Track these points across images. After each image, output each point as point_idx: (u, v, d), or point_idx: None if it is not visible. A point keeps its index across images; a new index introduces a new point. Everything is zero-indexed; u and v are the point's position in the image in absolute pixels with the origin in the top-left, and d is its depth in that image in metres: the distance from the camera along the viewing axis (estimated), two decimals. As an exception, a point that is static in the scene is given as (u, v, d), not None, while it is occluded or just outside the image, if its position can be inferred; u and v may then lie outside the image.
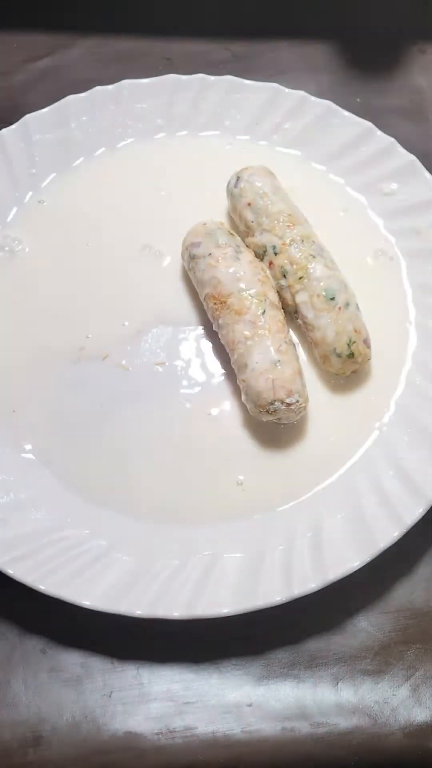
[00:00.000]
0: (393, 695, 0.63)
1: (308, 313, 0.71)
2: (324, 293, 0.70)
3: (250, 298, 0.69)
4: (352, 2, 0.97)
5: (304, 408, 0.68)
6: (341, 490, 0.68)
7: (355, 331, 0.70)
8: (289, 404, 0.66)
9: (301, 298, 0.71)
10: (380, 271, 0.78)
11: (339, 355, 0.69)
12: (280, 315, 0.70)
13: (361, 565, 0.63)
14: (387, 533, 0.64)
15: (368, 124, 0.83)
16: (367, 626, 0.65)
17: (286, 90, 0.85)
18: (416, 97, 0.92)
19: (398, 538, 0.64)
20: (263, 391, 0.66)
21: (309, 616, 0.65)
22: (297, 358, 0.69)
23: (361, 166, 0.82)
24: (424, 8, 0.97)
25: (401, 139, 0.82)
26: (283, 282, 0.72)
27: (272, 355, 0.67)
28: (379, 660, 0.64)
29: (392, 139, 0.82)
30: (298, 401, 0.67)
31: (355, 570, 0.63)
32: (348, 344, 0.69)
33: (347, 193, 0.82)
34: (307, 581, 0.62)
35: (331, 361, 0.70)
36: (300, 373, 0.68)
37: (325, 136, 0.83)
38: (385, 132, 0.82)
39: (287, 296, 0.72)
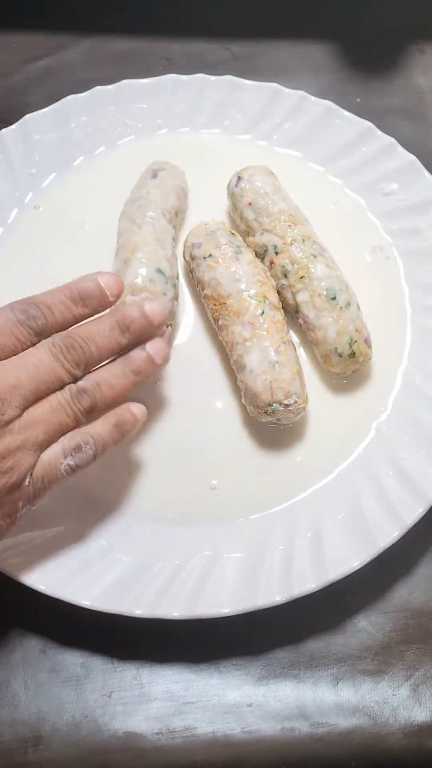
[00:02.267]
0: (393, 695, 0.63)
1: (309, 313, 0.71)
2: (325, 293, 0.70)
3: (249, 299, 0.69)
4: (352, 2, 0.97)
5: (303, 409, 0.68)
6: (341, 490, 0.68)
7: (357, 330, 0.70)
8: (287, 405, 0.66)
9: (302, 297, 0.71)
10: (378, 270, 0.78)
11: (340, 355, 0.69)
12: (279, 316, 0.70)
13: (361, 565, 0.63)
14: (387, 533, 0.64)
15: (368, 124, 0.83)
16: (367, 626, 0.65)
17: (286, 90, 0.85)
18: (416, 97, 0.92)
19: (398, 538, 0.64)
20: (261, 392, 0.66)
21: (309, 616, 0.65)
22: (296, 359, 0.69)
23: (360, 166, 0.82)
24: (424, 8, 0.97)
25: (401, 139, 0.82)
26: (284, 281, 0.72)
27: (271, 356, 0.67)
28: (379, 660, 0.64)
29: (392, 139, 0.82)
30: (296, 402, 0.67)
31: (355, 570, 0.63)
32: (349, 344, 0.69)
33: (347, 194, 0.82)
34: (307, 581, 0.62)
35: (332, 361, 0.70)
36: (299, 374, 0.68)
37: (325, 136, 0.83)
38: (385, 132, 0.82)
39: (288, 296, 0.72)
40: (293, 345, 0.70)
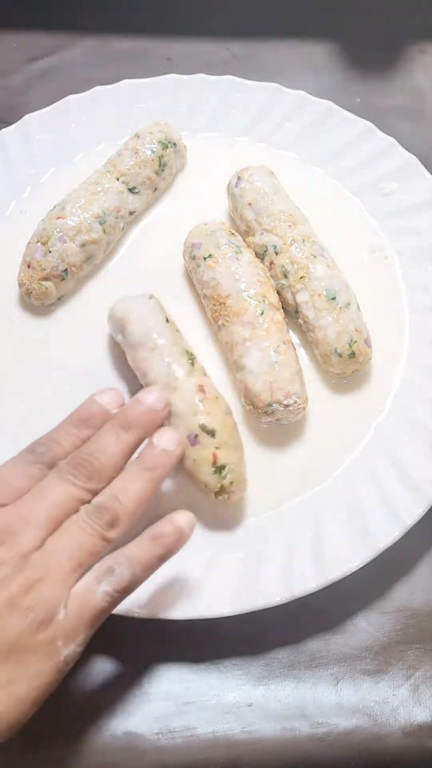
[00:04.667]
0: (393, 695, 0.63)
1: (309, 313, 0.71)
2: (325, 293, 0.70)
3: (248, 299, 0.69)
4: (352, 2, 0.97)
5: (303, 409, 0.68)
6: (341, 490, 0.68)
7: (356, 330, 0.70)
8: (287, 406, 0.66)
9: (301, 297, 0.71)
10: (376, 270, 0.78)
11: (340, 355, 0.69)
12: (279, 315, 0.70)
13: (361, 565, 0.63)
14: (387, 533, 0.64)
15: (368, 124, 0.83)
16: (367, 626, 0.65)
17: (286, 90, 0.85)
18: (416, 97, 0.92)
19: (398, 538, 0.64)
20: (261, 392, 0.66)
21: (309, 616, 0.65)
22: (296, 358, 0.69)
23: (361, 166, 0.82)
24: (423, 8, 0.97)
25: (401, 139, 0.82)
26: (283, 281, 0.72)
27: (271, 356, 0.67)
28: (379, 660, 0.64)
29: (392, 139, 0.82)
30: (296, 402, 0.67)
31: (355, 570, 0.63)
32: (349, 344, 0.69)
33: (346, 193, 0.82)
34: (307, 581, 0.62)
35: (332, 361, 0.70)
36: (299, 373, 0.68)
37: (325, 136, 0.83)
38: (385, 132, 0.82)
39: (288, 296, 0.72)
40: (293, 345, 0.70)
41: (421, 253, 0.77)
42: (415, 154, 0.81)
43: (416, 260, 0.77)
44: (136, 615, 0.61)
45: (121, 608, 0.61)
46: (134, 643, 0.64)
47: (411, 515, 0.65)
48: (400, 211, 0.80)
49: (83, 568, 0.53)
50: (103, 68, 0.92)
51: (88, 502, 0.56)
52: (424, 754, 0.61)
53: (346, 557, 0.63)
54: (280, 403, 0.66)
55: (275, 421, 0.68)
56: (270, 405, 0.66)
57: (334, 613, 0.66)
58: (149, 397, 0.61)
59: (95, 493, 0.56)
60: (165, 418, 0.62)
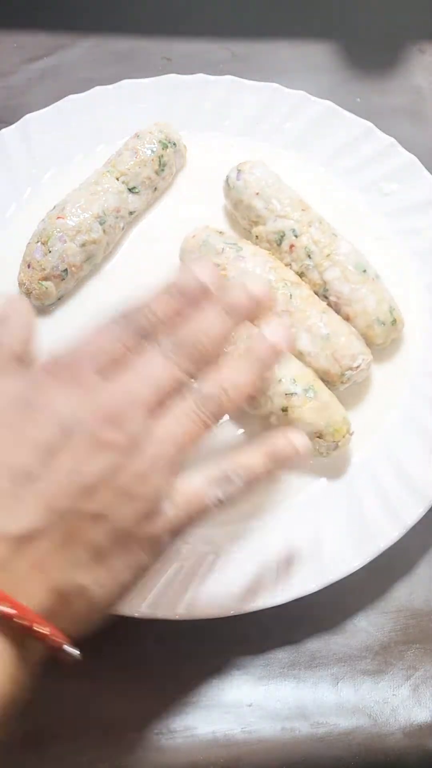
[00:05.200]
0: (393, 695, 0.63)
1: (343, 288, 0.71)
2: (355, 267, 0.71)
3: (272, 289, 0.69)
4: (352, 2, 0.97)
5: (371, 361, 0.69)
6: (341, 490, 0.68)
7: (391, 299, 0.71)
8: (357, 367, 0.67)
9: (332, 274, 0.71)
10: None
11: (383, 323, 0.70)
12: (306, 290, 0.70)
13: (361, 565, 0.63)
14: (387, 533, 0.64)
15: (368, 124, 0.83)
16: (367, 626, 0.65)
17: (286, 90, 0.85)
18: (416, 97, 0.92)
19: (398, 538, 0.64)
20: (329, 368, 0.67)
21: (309, 616, 0.65)
22: (341, 321, 0.69)
23: (361, 166, 0.82)
24: (424, 8, 0.97)
25: (401, 139, 0.82)
26: (308, 262, 0.72)
27: (320, 330, 0.67)
28: (379, 660, 0.64)
29: (392, 139, 0.82)
30: (364, 359, 0.68)
31: (355, 570, 0.63)
32: (389, 311, 0.70)
33: (346, 193, 0.82)
34: (307, 581, 0.62)
35: (375, 331, 0.70)
36: (352, 333, 0.69)
37: (325, 136, 0.83)
38: (385, 132, 0.82)
39: (314, 276, 0.72)
40: (332, 309, 0.70)
41: (422, 254, 0.77)
42: (415, 154, 0.81)
43: (416, 260, 0.77)
44: (135, 615, 0.61)
45: (121, 608, 0.61)
46: (133, 643, 0.64)
47: (411, 515, 0.65)
48: (400, 211, 0.80)
49: (184, 456, 0.51)
50: (103, 68, 0.92)
51: (186, 384, 0.53)
52: (424, 754, 0.61)
53: (346, 557, 0.63)
54: (350, 368, 0.67)
55: (353, 383, 0.69)
56: (343, 374, 0.67)
57: (334, 613, 0.66)
58: (256, 286, 0.56)
59: (194, 376, 0.53)
60: (268, 310, 0.58)
